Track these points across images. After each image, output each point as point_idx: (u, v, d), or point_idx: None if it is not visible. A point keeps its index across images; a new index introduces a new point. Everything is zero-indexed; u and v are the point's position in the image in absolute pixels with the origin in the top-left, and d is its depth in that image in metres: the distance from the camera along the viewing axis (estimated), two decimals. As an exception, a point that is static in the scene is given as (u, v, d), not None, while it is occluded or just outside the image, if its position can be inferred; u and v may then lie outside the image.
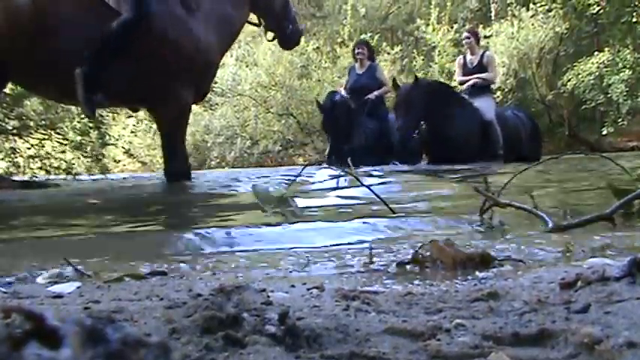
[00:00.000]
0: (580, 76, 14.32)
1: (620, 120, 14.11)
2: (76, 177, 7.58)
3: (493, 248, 1.54)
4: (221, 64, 5.99)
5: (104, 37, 4.05)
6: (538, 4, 15.35)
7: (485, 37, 14.37)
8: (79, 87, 4.03)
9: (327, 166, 6.89)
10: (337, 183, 3.76)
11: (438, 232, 1.99)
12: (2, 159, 7.82)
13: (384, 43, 17.52)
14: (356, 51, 8.67)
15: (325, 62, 16.78)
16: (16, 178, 6.98)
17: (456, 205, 3.00)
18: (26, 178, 7.23)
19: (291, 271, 1.41)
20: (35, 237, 2.24)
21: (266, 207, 2.56)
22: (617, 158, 3.14)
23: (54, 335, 0.50)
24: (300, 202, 2.66)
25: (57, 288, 1.23)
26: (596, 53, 14.56)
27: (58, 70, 4.13)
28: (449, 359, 0.69)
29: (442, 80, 12.58)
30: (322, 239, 1.90)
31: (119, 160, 10.74)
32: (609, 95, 14.06)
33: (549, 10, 15.33)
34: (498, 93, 14.08)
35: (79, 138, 7.98)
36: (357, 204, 2.96)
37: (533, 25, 15.28)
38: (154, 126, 9.18)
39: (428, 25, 16.51)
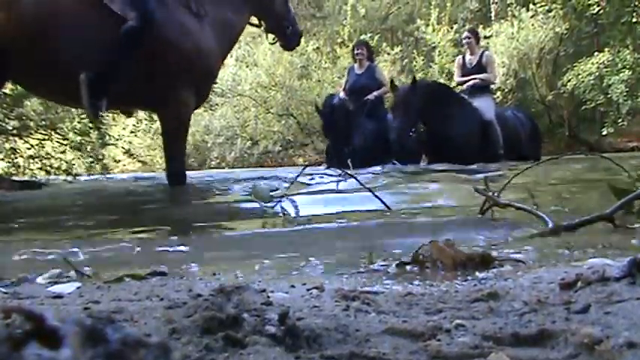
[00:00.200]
0: (580, 76, 14.31)
1: (620, 120, 14.09)
2: (76, 177, 7.58)
3: (493, 248, 1.54)
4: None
5: (111, 46, 4.09)
6: (538, 5, 15.34)
7: (485, 37, 14.36)
8: (84, 92, 4.07)
9: (327, 166, 6.90)
10: (337, 185, 3.77)
11: (438, 232, 1.99)
12: (2, 159, 7.81)
13: (384, 44, 17.51)
14: (355, 51, 8.67)
15: (325, 63, 16.77)
16: (16, 178, 6.98)
17: (456, 206, 3.00)
18: (26, 178, 7.23)
19: (291, 272, 1.41)
20: (35, 237, 2.24)
21: (266, 207, 2.56)
22: (617, 159, 3.14)
23: (54, 335, 0.50)
24: (300, 202, 2.66)
25: (57, 288, 1.23)
26: (596, 54, 14.55)
27: (59, 71, 4.14)
28: (449, 359, 0.68)
29: (442, 81, 12.56)
30: (322, 239, 1.90)
31: (119, 160, 10.74)
32: (609, 96, 14.05)
33: (549, 11, 15.33)
34: (498, 93, 14.07)
35: (79, 138, 7.97)
36: (357, 204, 2.96)
37: (533, 25, 15.27)
38: (154, 126, 9.22)
39: (428, 25, 16.49)
